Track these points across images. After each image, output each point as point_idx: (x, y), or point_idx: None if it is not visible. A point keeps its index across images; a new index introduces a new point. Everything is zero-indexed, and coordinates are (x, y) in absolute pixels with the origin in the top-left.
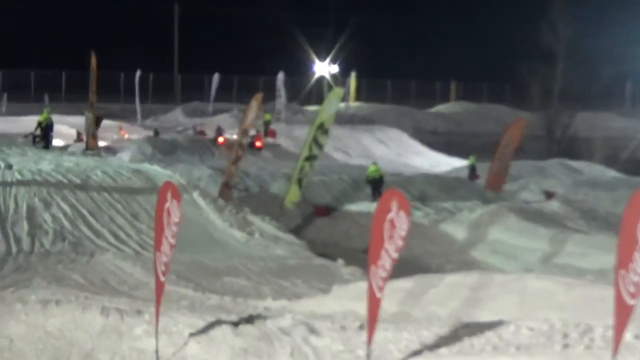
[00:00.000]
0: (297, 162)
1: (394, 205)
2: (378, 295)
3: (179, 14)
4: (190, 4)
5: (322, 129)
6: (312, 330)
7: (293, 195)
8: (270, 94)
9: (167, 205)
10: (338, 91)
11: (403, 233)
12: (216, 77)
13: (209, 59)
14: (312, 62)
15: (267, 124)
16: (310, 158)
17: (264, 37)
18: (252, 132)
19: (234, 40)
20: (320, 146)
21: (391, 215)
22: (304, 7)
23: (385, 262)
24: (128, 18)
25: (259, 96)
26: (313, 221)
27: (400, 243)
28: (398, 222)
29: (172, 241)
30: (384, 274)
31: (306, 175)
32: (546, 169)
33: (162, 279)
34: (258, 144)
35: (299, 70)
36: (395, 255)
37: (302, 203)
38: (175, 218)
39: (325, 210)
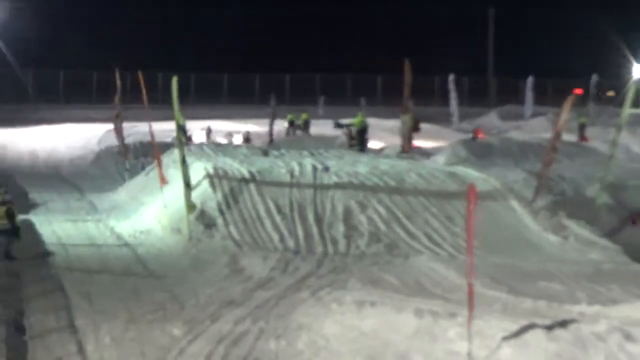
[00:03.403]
0: (606, 165)
1: None
2: None
3: (494, 17)
4: (505, 7)
5: (619, 127)
6: (628, 337)
7: (601, 198)
8: (584, 97)
9: (471, 208)
10: (632, 88)
11: None
12: (530, 80)
13: (523, 62)
14: (630, 64)
15: (581, 127)
16: (611, 158)
17: (577, 39)
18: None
19: (548, 43)
20: (616, 145)
21: None
22: (618, 8)
23: None
24: (444, 22)
25: (571, 98)
26: (628, 226)
27: None
28: None
29: (474, 244)
30: None
31: (605, 177)
32: None
33: (474, 282)
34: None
35: (615, 72)
36: None
37: (617, 207)
38: (476, 221)
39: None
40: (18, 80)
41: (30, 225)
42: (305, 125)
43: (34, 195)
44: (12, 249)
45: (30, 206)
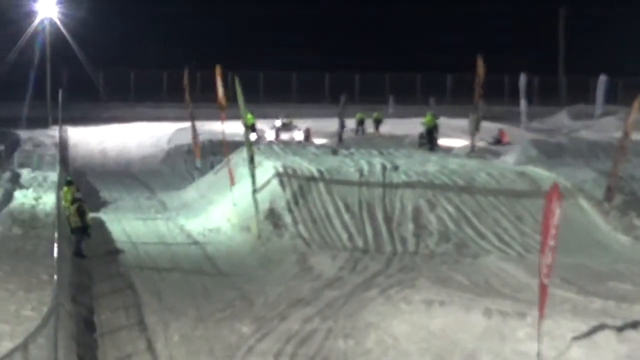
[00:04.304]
0: None
1: None
2: None
3: (565, 15)
4: (576, 5)
5: None
6: None
7: None
8: None
9: (552, 208)
10: None
11: None
12: (601, 79)
13: (595, 60)
14: None
15: None
16: None
17: None
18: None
19: (620, 41)
20: None
21: None
22: None
23: None
24: (514, 21)
25: None
26: None
27: None
28: None
29: (553, 243)
30: None
31: None
32: None
33: (546, 281)
34: None
35: None
36: None
37: None
38: (556, 221)
39: None
40: (89, 79)
41: (100, 223)
42: (376, 124)
43: (105, 194)
44: (82, 247)
45: (100, 204)
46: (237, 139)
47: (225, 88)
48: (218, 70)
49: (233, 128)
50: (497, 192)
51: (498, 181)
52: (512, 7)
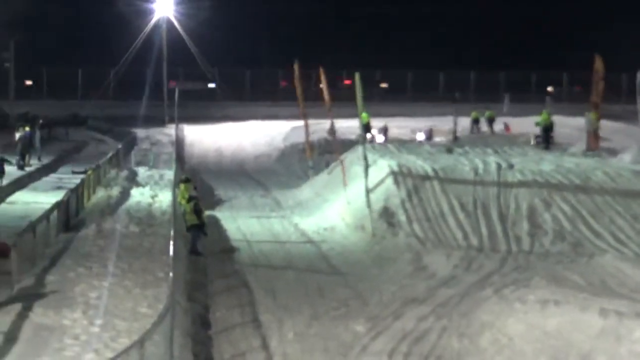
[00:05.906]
0: None
1: None
2: None
3: None
4: None
5: None
6: None
7: None
8: None
9: None
10: None
11: None
12: None
13: None
14: None
15: None
16: None
17: None
18: None
19: None
20: None
21: None
22: None
23: None
24: (632, 17)
25: None
26: None
27: None
28: None
29: None
30: None
31: None
32: None
33: None
34: None
35: None
36: None
37: None
38: None
39: None
40: (205, 78)
41: (215, 221)
42: (490, 123)
43: (220, 192)
44: (198, 244)
45: (215, 202)
46: (352, 137)
47: (334, 87)
48: (321, 72)
49: (348, 126)
50: (614, 192)
51: (614, 180)
52: (630, 2)
